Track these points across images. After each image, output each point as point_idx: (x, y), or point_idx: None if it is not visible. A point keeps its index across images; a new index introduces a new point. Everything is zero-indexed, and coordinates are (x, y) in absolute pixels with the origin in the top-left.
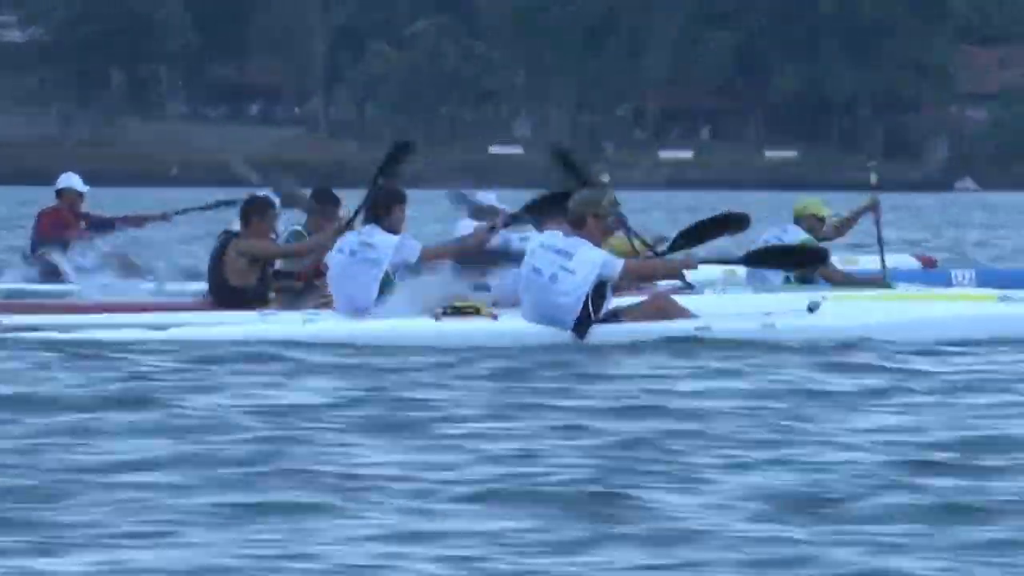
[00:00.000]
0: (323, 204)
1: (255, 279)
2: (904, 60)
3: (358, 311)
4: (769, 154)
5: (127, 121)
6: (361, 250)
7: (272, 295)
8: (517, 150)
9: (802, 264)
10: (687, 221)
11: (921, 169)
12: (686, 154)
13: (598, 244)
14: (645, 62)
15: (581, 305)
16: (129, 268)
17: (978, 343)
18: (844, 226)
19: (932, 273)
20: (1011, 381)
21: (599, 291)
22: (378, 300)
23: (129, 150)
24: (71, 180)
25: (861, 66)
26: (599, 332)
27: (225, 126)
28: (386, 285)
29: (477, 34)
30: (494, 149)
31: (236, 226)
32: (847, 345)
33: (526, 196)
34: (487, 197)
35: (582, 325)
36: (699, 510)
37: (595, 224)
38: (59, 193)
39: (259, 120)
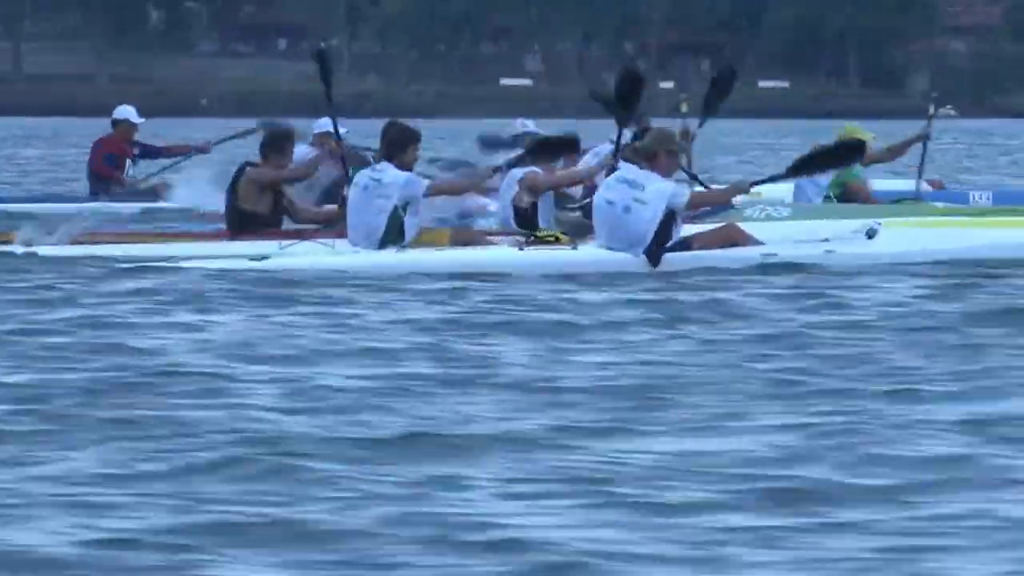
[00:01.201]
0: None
1: (268, 207)
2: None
3: (369, 242)
4: (762, 84)
5: (161, 57)
6: (373, 186)
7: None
8: (527, 82)
9: (844, 159)
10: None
11: (905, 98)
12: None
13: (668, 177)
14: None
15: (653, 233)
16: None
17: None
18: (896, 151)
19: (952, 193)
20: None
21: (669, 220)
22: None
23: (162, 85)
24: (127, 112)
25: (848, 3)
26: (671, 260)
27: (254, 61)
28: (394, 219)
29: None
30: (505, 82)
31: None
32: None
33: (536, 124)
34: (525, 124)
35: (655, 253)
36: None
37: (667, 159)
38: (115, 123)
39: (286, 55)
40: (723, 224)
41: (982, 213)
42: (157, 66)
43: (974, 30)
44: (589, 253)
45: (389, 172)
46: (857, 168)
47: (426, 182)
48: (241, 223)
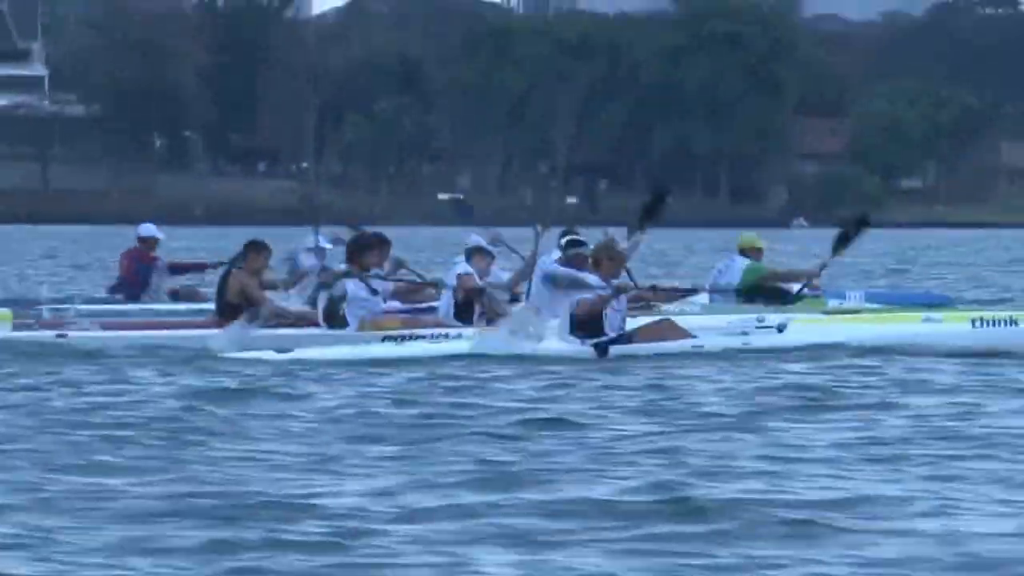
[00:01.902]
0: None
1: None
2: (752, 127)
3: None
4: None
5: (163, 176)
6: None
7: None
8: (459, 196)
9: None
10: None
11: (764, 210)
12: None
13: (613, 278)
14: (556, 128)
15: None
16: (195, 298)
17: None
18: (789, 276)
19: (829, 292)
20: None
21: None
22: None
23: (164, 198)
24: (151, 229)
25: (720, 131)
26: (615, 350)
27: (238, 179)
28: (332, 306)
29: (429, 108)
30: (441, 196)
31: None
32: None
33: (466, 232)
34: (478, 239)
35: (601, 345)
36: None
37: (608, 263)
38: (141, 239)
39: (265, 175)
40: (660, 319)
41: (860, 311)
42: (160, 183)
43: (821, 155)
44: (551, 343)
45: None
46: (763, 267)
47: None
48: (227, 312)
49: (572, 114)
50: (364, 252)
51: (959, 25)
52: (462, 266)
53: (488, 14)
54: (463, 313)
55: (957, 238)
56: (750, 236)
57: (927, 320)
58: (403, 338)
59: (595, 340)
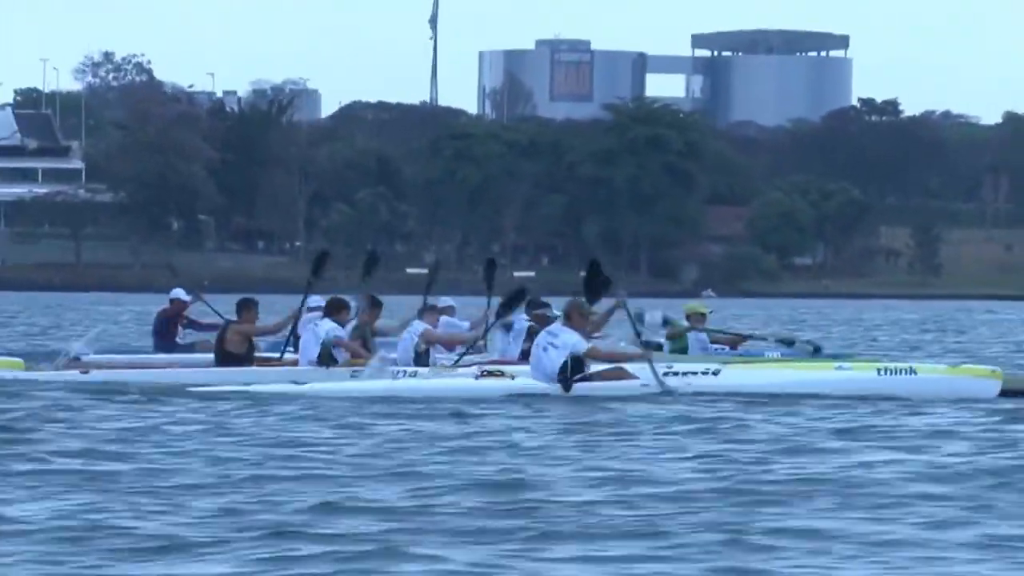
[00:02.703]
0: (372, 306)
1: (244, 349)
2: (669, 215)
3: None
4: (582, 274)
5: (178, 252)
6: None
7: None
8: (424, 271)
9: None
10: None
11: (679, 284)
12: (531, 274)
13: (578, 331)
14: (506, 215)
15: (560, 367)
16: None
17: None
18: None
19: (750, 351)
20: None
21: (576, 361)
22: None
23: (178, 270)
24: (179, 293)
25: (642, 218)
26: (578, 387)
27: (241, 255)
28: (325, 348)
29: (400, 198)
30: (409, 270)
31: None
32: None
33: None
34: (445, 300)
35: (567, 382)
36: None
37: (578, 318)
38: (171, 301)
39: (263, 252)
40: (615, 367)
41: (782, 360)
42: (175, 258)
43: (727, 238)
44: (522, 382)
45: (325, 323)
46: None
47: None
48: (225, 359)
49: (519, 203)
50: (339, 310)
51: (849, 130)
52: (417, 324)
53: (451, 120)
54: (420, 360)
55: (840, 306)
56: (693, 304)
57: (839, 368)
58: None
59: (563, 378)
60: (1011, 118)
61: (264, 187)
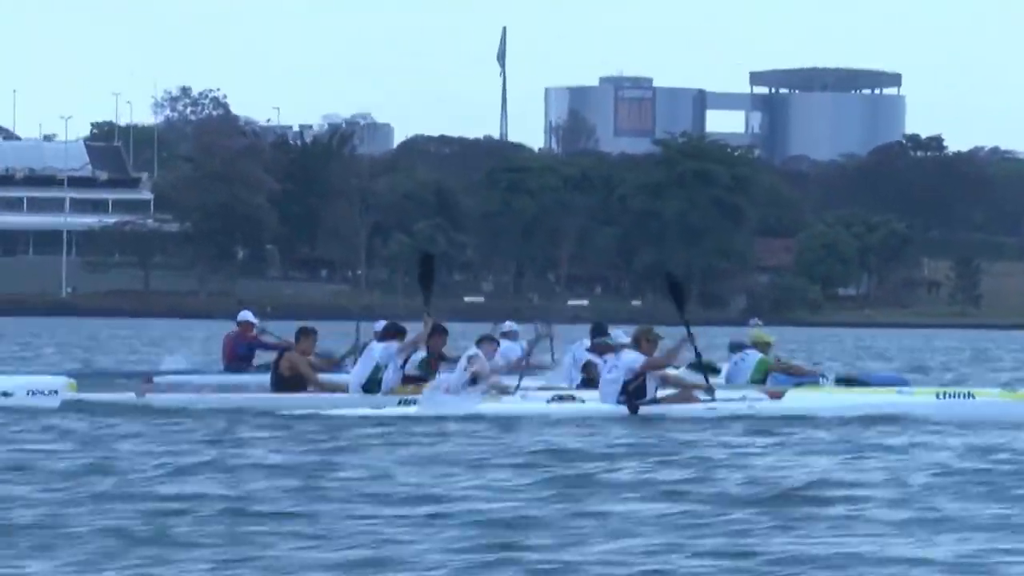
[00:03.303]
0: (439, 333)
1: (299, 377)
2: (717, 247)
3: (359, 389)
4: (634, 303)
5: (243, 280)
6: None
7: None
8: (481, 299)
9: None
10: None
11: (727, 313)
12: (584, 302)
13: (648, 355)
14: (560, 246)
15: (621, 387)
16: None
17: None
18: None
19: (806, 377)
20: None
21: (636, 380)
22: (367, 384)
23: (242, 297)
24: (247, 315)
25: (692, 250)
26: (644, 410)
27: (304, 283)
28: (375, 373)
29: (458, 229)
30: (467, 299)
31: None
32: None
33: (485, 327)
34: (512, 325)
35: (634, 405)
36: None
37: (647, 345)
38: (239, 323)
39: (325, 280)
40: (683, 391)
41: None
42: (240, 285)
43: (775, 269)
44: (593, 406)
45: (377, 347)
46: (769, 360)
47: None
48: (280, 385)
49: (573, 234)
50: (396, 336)
51: (895, 165)
52: (472, 350)
53: (509, 154)
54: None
55: (883, 335)
56: (761, 333)
57: (900, 392)
58: (412, 401)
59: (627, 401)
60: None
61: (325, 217)
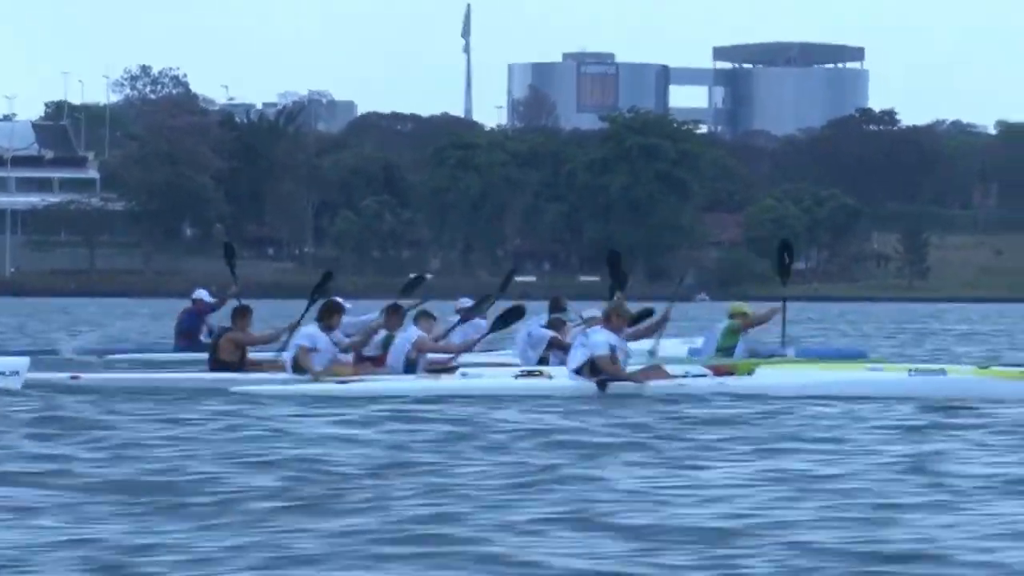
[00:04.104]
0: (392, 313)
1: (237, 357)
2: (664, 222)
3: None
4: (582, 278)
5: (189, 259)
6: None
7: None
8: (430, 276)
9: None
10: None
11: (675, 288)
12: (532, 278)
13: (618, 332)
14: (507, 222)
15: (586, 363)
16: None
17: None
18: (758, 322)
19: (769, 347)
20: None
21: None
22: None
23: (189, 277)
24: (202, 293)
25: (639, 226)
26: (614, 386)
27: (252, 261)
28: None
29: (405, 205)
30: (413, 276)
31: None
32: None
33: (433, 305)
34: (464, 301)
35: (603, 382)
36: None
37: (617, 319)
38: (193, 301)
39: (272, 258)
40: (653, 365)
41: (805, 362)
42: (186, 264)
43: (724, 244)
44: (561, 382)
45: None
46: (737, 322)
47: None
48: (217, 367)
49: (521, 211)
50: (332, 315)
51: (848, 139)
52: (413, 331)
53: (461, 131)
54: (411, 368)
55: (832, 309)
56: (739, 304)
57: (872, 369)
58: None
59: (599, 378)
60: (1002, 126)
61: (272, 195)
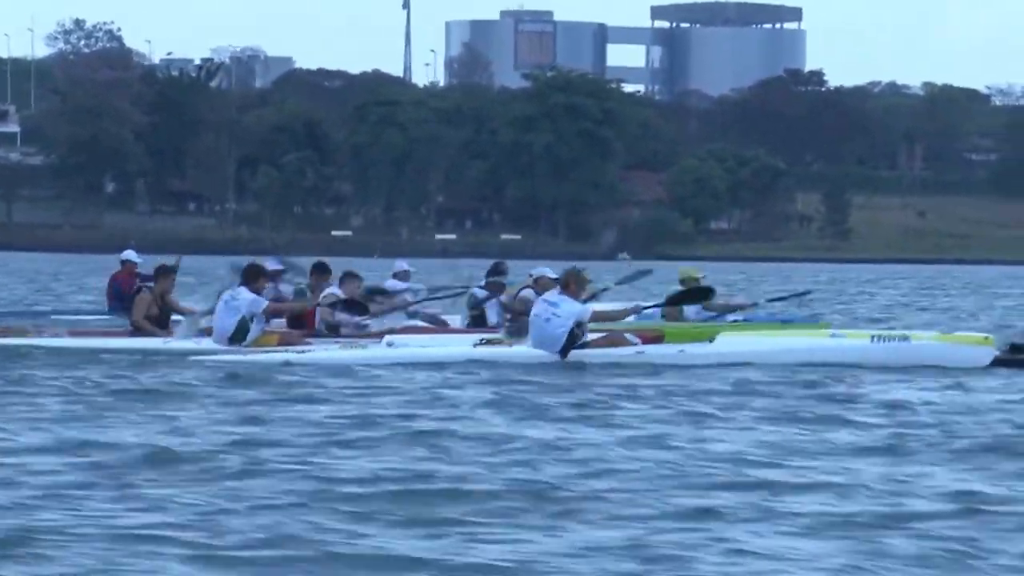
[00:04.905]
0: (320, 272)
1: (155, 314)
2: (587, 181)
3: (225, 341)
4: (504, 237)
5: (111, 213)
6: (230, 300)
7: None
8: (348, 233)
9: (698, 298)
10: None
11: (598, 247)
12: (452, 236)
13: (577, 299)
14: (431, 179)
15: (565, 337)
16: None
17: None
18: (726, 310)
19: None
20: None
21: (576, 329)
22: (235, 335)
23: (110, 231)
24: (131, 254)
25: (561, 184)
26: (575, 354)
27: (173, 217)
28: (242, 325)
29: (326, 162)
30: (334, 232)
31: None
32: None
33: (353, 261)
34: (400, 264)
35: (565, 349)
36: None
37: (575, 286)
38: (122, 263)
39: (193, 213)
40: (611, 332)
41: (765, 326)
42: (107, 219)
43: (647, 203)
44: (521, 351)
45: (242, 293)
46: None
47: (264, 303)
48: (139, 328)
49: (444, 168)
50: (257, 278)
51: (774, 99)
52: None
53: (388, 87)
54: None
55: (755, 269)
56: (689, 268)
57: (834, 335)
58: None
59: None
60: (928, 87)
61: (193, 151)
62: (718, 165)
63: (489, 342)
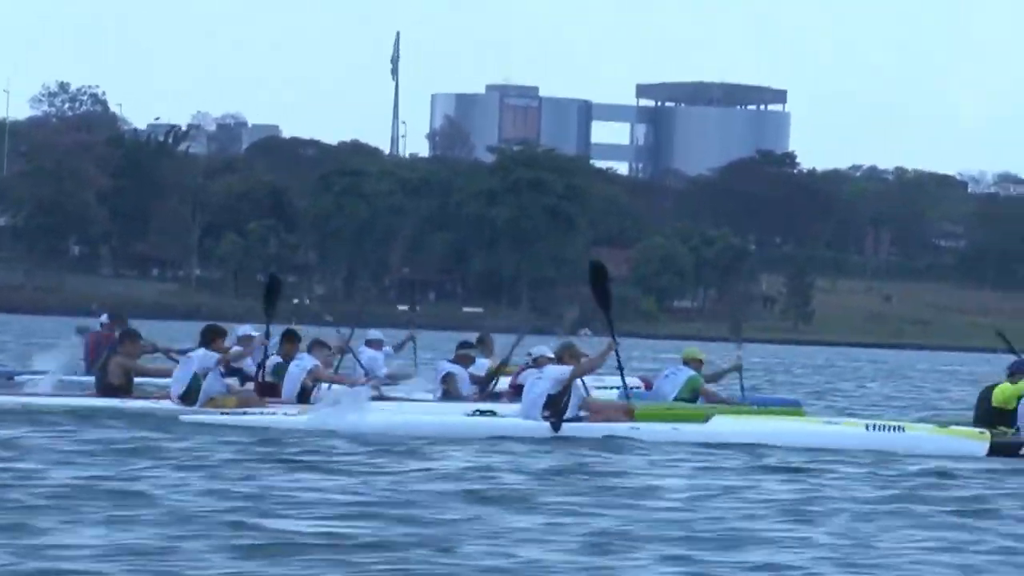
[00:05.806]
0: (290, 340)
1: (125, 381)
2: (549, 255)
3: (177, 399)
4: (466, 309)
5: (74, 276)
6: (188, 360)
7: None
8: (307, 302)
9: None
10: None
11: (560, 324)
12: (405, 308)
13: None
14: (393, 250)
15: (546, 398)
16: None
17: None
18: (717, 377)
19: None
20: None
21: (561, 395)
22: (186, 392)
23: (71, 294)
24: (105, 318)
25: (524, 259)
26: (567, 428)
27: (135, 281)
28: (195, 381)
29: (290, 230)
30: (296, 301)
31: None
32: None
33: (315, 331)
34: (373, 333)
35: (557, 423)
36: None
37: (569, 359)
38: (102, 325)
39: (157, 279)
40: (611, 406)
41: (759, 411)
42: (70, 282)
43: (612, 280)
44: (513, 422)
45: (200, 351)
46: (700, 379)
47: (217, 356)
48: (106, 391)
49: (407, 239)
50: (215, 339)
51: (744, 180)
52: (308, 360)
53: (359, 158)
54: (304, 396)
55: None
56: (694, 349)
57: (828, 423)
58: (235, 414)
59: (552, 419)
60: (899, 172)
61: (157, 215)
62: (683, 244)
63: (482, 413)
